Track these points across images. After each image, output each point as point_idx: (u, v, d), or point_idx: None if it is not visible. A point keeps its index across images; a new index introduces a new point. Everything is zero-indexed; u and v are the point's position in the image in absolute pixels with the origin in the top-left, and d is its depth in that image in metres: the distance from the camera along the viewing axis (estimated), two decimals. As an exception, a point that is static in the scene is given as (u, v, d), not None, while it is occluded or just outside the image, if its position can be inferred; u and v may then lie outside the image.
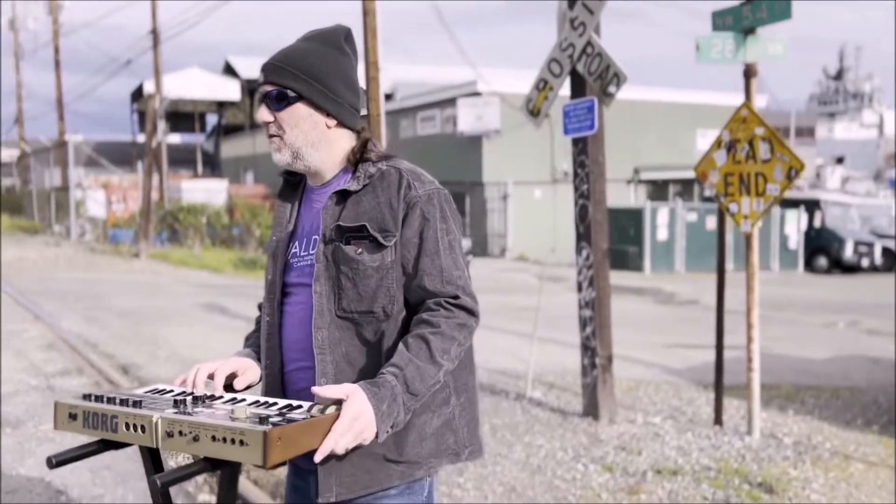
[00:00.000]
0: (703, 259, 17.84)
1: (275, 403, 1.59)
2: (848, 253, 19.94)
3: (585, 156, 5.25)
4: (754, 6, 4.71)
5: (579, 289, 5.39)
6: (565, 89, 5.33)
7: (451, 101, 22.75)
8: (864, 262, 19.91)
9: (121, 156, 34.97)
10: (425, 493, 1.73)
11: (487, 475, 4.20)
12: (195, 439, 1.40)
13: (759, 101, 25.70)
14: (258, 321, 1.88)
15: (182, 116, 39.95)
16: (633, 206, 20.54)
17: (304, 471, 1.78)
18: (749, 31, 4.82)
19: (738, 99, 4.95)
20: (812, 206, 20.74)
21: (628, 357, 7.50)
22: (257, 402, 1.61)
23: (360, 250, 1.66)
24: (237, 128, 39.64)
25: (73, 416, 1.58)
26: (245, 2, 35.36)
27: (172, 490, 3.95)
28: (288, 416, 1.45)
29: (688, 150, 23.61)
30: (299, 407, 1.55)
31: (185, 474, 1.42)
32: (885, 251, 20.16)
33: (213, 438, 1.38)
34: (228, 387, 1.76)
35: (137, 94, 35.95)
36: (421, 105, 24.58)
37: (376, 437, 1.52)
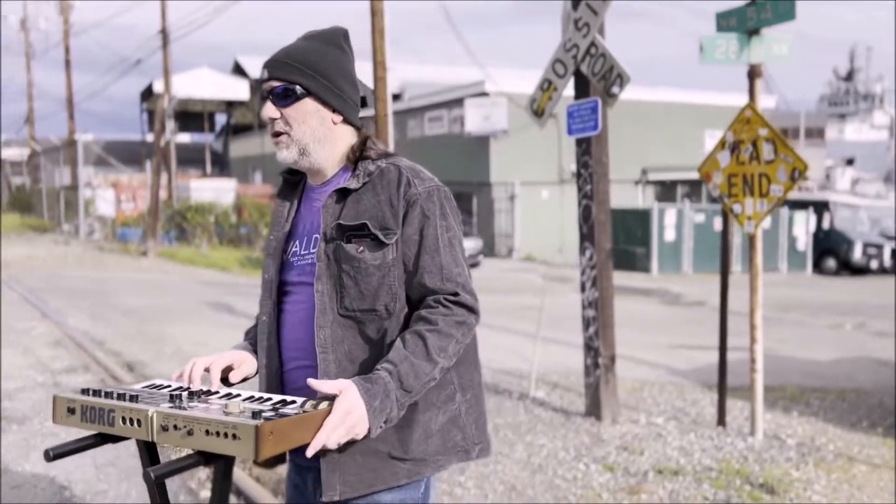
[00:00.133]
0: (711, 260, 17.78)
1: (269, 399, 1.61)
2: (857, 255, 19.85)
3: (589, 156, 5.26)
4: (758, 7, 4.71)
5: (582, 289, 5.40)
6: (569, 90, 5.34)
7: (458, 102, 22.76)
8: (873, 264, 19.81)
9: (130, 155, 35.14)
10: (422, 489, 1.73)
11: (488, 474, 4.21)
12: (189, 433, 1.42)
13: (769, 102, 25.74)
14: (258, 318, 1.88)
15: (191, 116, 40.14)
16: (640, 207, 20.52)
17: (303, 468, 1.79)
18: (753, 32, 4.82)
19: (746, 100, 4.95)
20: (821, 207, 20.66)
21: (633, 358, 7.49)
22: (252, 397, 1.63)
23: (361, 248, 1.66)
24: (246, 127, 39.80)
25: (71, 411, 1.60)
26: (254, 2, 35.50)
27: (176, 487, 3.97)
28: (281, 411, 1.47)
29: (696, 151, 23.54)
30: (293, 402, 1.56)
31: (178, 467, 1.43)
32: (895, 253, 20.05)
33: (207, 432, 1.40)
34: (225, 380, 1.78)
35: (147, 94, 36.15)
36: (428, 105, 24.60)
37: (369, 432, 1.53)
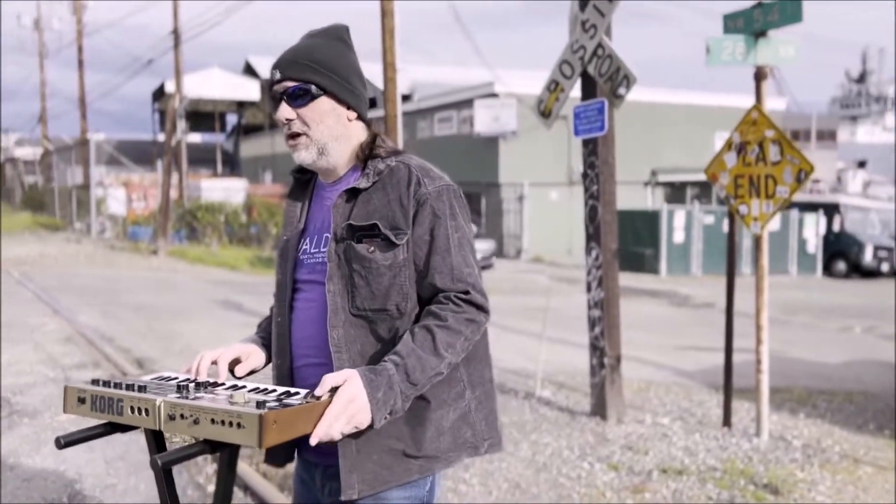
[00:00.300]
0: (721, 262, 17.71)
1: (274, 390, 1.64)
2: (867, 257, 19.74)
3: (595, 157, 5.28)
4: (765, 9, 4.71)
5: (588, 289, 5.42)
6: (576, 91, 5.36)
7: (468, 102, 22.80)
8: (884, 267, 19.70)
9: (142, 154, 35.30)
10: (427, 486, 1.74)
11: (493, 471, 4.24)
12: (195, 422, 1.45)
13: (779, 104, 25.63)
14: (272, 310, 1.88)
15: (202, 116, 40.28)
16: (649, 209, 20.47)
17: (310, 464, 1.81)
18: (760, 34, 4.82)
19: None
20: (831, 209, 20.55)
21: (640, 358, 7.50)
22: (257, 388, 1.66)
23: (372, 249, 1.66)
24: (257, 128, 39.96)
25: (81, 400, 1.64)
26: (265, 2, 35.60)
27: (184, 482, 4.01)
28: (285, 401, 1.50)
29: (705, 153, 23.40)
30: (297, 394, 1.60)
31: (185, 455, 1.47)
32: (906, 256, 19.96)
33: (213, 421, 1.43)
34: (232, 373, 1.81)
35: (159, 94, 36.30)
36: (438, 106, 24.65)
37: (372, 423, 1.54)
